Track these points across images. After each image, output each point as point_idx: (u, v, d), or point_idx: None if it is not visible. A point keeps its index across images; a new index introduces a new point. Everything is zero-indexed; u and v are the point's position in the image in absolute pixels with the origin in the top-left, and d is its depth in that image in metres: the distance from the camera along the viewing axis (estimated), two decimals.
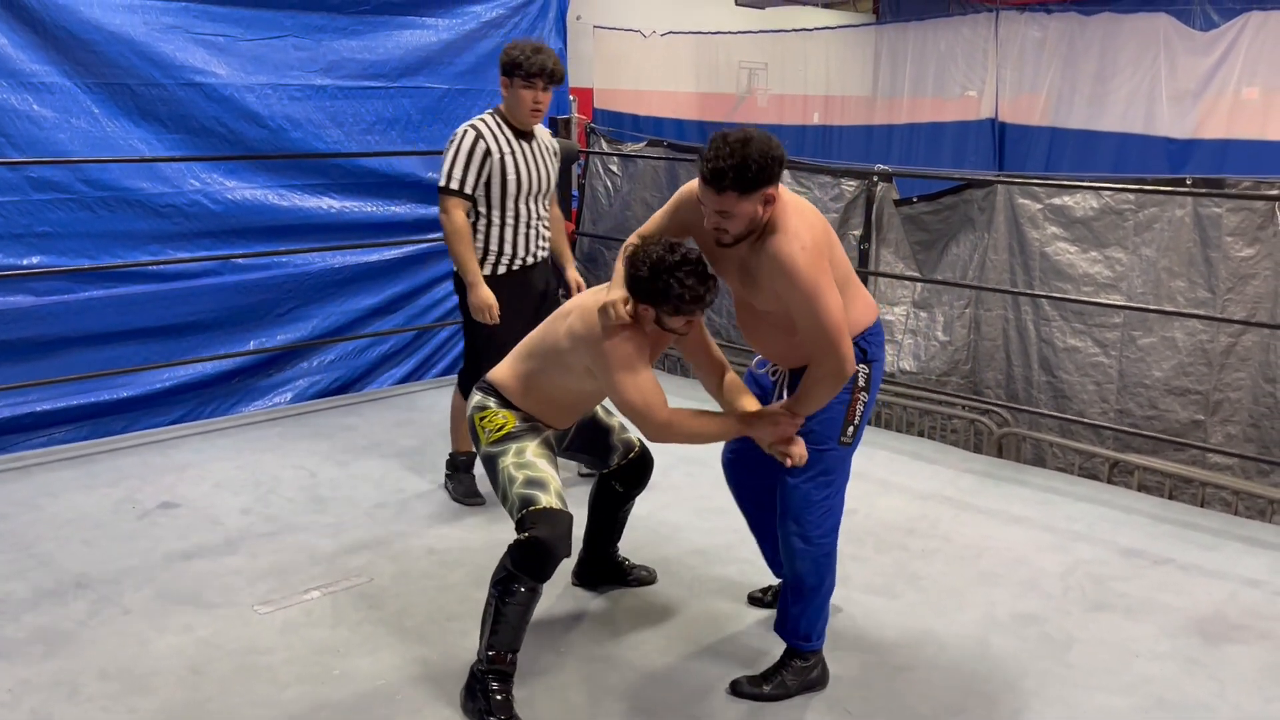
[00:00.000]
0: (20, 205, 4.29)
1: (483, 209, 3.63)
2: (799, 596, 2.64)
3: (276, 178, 5.07)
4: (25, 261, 4.34)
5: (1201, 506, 4.02)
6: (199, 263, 4.83)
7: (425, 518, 3.74)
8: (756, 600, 3.13)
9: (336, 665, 2.75)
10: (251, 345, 5.10)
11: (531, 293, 3.81)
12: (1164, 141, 8.89)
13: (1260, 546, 3.57)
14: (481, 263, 3.67)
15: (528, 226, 3.72)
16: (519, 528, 2.48)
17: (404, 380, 5.66)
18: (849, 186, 5.17)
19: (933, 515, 3.82)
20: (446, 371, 5.80)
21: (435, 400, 5.15)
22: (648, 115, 10.74)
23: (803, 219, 2.37)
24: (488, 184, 3.61)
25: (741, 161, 2.23)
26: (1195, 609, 3.12)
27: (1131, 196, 4.27)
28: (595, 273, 6.32)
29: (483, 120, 3.62)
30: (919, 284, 4.96)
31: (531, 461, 2.58)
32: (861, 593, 3.21)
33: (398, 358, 5.71)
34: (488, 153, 3.57)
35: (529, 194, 3.69)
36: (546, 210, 3.82)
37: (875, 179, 5.08)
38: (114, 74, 4.49)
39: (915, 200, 5.00)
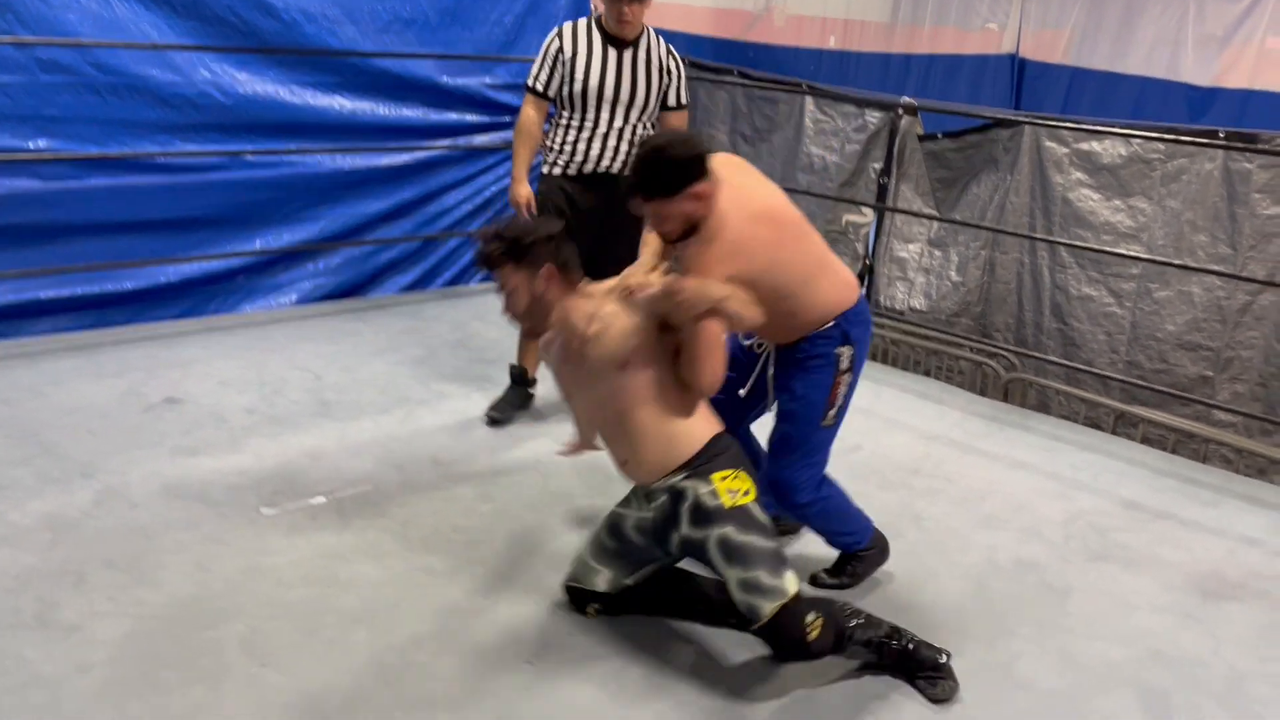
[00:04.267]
0: (28, 86, 4.17)
1: (564, 108, 3.69)
2: (824, 529, 2.76)
3: (288, 73, 4.93)
4: (31, 144, 4.24)
5: (1203, 463, 4.04)
6: (207, 157, 4.73)
7: (431, 429, 3.73)
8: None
9: (342, 570, 2.76)
10: (258, 244, 5.02)
11: (596, 200, 3.72)
12: (1185, 88, 8.71)
13: (1260, 505, 3.59)
14: (552, 161, 3.72)
15: (606, 136, 3.66)
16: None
17: (409, 288, 5.61)
18: (873, 118, 5.06)
19: (937, 456, 3.83)
20: (453, 281, 5.74)
21: (441, 310, 5.11)
22: (660, 28, 10.50)
23: (740, 211, 2.39)
24: (561, 84, 3.64)
25: (656, 171, 2.32)
26: (1194, 565, 3.15)
27: (1161, 146, 4.19)
28: None
29: (578, 21, 3.64)
30: (936, 222, 4.89)
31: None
32: None
33: (404, 265, 5.65)
34: (560, 51, 3.61)
35: (610, 101, 3.64)
36: (645, 126, 3.73)
37: (900, 111, 4.98)
38: None
39: (940, 136, 4.91)
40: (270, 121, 4.90)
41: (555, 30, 3.67)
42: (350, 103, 5.16)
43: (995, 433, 4.10)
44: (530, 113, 3.67)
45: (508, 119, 5.82)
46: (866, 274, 5.23)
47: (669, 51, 3.72)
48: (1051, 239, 4.43)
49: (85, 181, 4.42)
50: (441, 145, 5.52)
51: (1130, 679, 2.56)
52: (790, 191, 5.20)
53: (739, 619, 2.39)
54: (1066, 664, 2.61)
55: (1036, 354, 4.51)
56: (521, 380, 3.90)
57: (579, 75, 3.60)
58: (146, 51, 4.43)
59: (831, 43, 11.25)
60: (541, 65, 3.64)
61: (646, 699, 2.34)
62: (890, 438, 3.97)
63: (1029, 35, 9.53)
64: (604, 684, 2.37)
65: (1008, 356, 4.65)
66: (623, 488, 2.68)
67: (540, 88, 3.66)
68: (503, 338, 4.41)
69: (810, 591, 2.68)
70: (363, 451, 3.49)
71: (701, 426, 2.44)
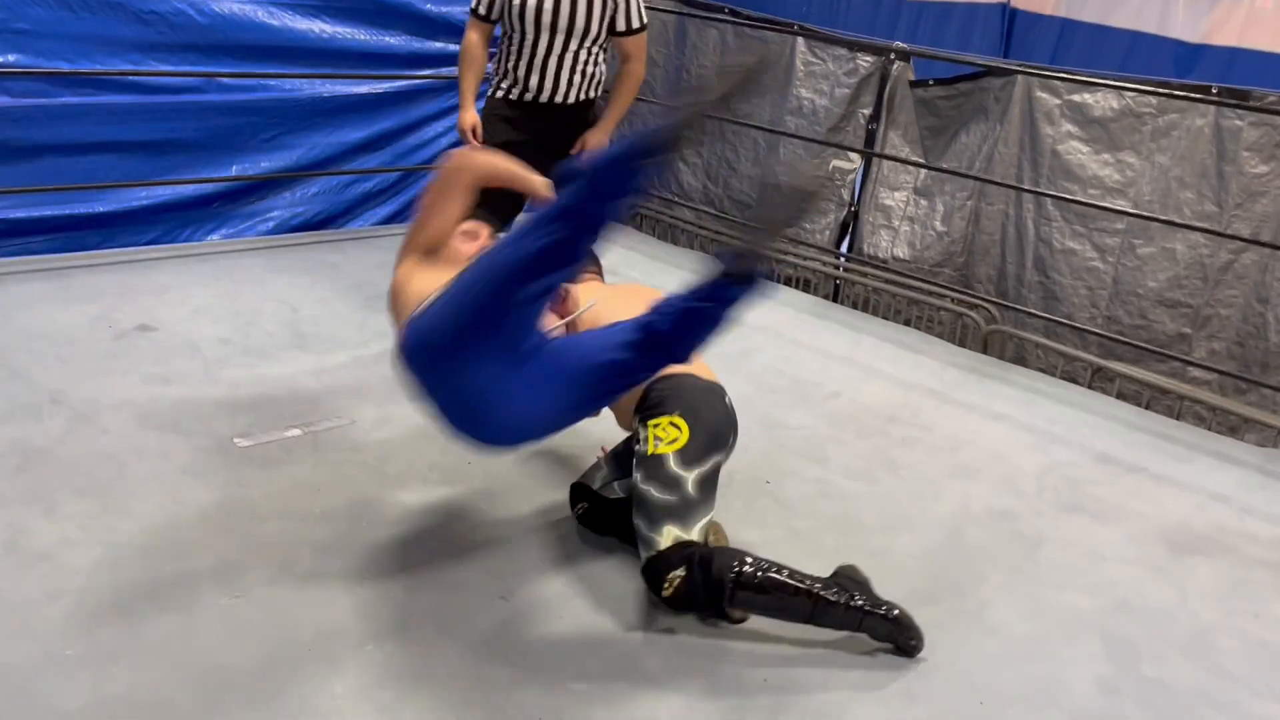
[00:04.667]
0: None
1: (507, 31, 3.62)
2: None
3: None
4: (1, 59, 4.11)
5: (1177, 419, 4.07)
6: (182, 78, 4.60)
7: None
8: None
9: (317, 504, 2.74)
10: (233, 170, 4.92)
11: (539, 132, 3.68)
12: (1174, 44, 8.64)
13: (1230, 462, 3.63)
14: (495, 84, 3.66)
15: (545, 61, 3.57)
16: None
17: (386, 221, 5.53)
18: (865, 62, 4.99)
19: (914, 405, 3.84)
20: None
21: None
22: None
23: None
24: (502, 7, 3.56)
25: None
26: (1164, 518, 3.19)
27: (1153, 100, 4.16)
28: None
29: None
30: (923, 171, 4.86)
31: None
32: (840, 476, 3.24)
33: (382, 197, 5.56)
34: None
35: (549, 27, 3.54)
36: (591, 54, 3.65)
37: (892, 56, 4.91)
38: None
39: (931, 83, 4.85)
40: (248, 43, 4.77)
41: None
42: (331, 27, 5.03)
43: (973, 384, 4.11)
44: (473, 36, 3.61)
45: (493, 50, 5.69)
46: (851, 221, 5.20)
47: None
48: (1039, 191, 4.40)
49: (56, 99, 4.30)
50: (424, 75, 5.41)
51: (1097, 627, 2.60)
52: (778, 134, 5.17)
53: None
54: (1035, 611, 2.64)
55: (1017, 306, 4.52)
56: None
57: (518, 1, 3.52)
58: None
59: None
60: None
61: (612, 640, 2.35)
62: (868, 386, 3.98)
63: None
64: (577, 621, 2.38)
65: (988, 308, 4.65)
66: (596, 423, 2.67)
67: (483, 11, 3.58)
68: None
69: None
70: (338, 385, 3.45)
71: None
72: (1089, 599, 2.72)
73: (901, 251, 4.98)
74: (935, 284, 4.80)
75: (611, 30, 3.61)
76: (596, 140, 3.75)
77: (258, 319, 3.92)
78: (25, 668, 2.05)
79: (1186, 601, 2.76)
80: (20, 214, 4.33)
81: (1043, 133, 4.46)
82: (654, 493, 2.36)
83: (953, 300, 4.76)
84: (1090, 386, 4.30)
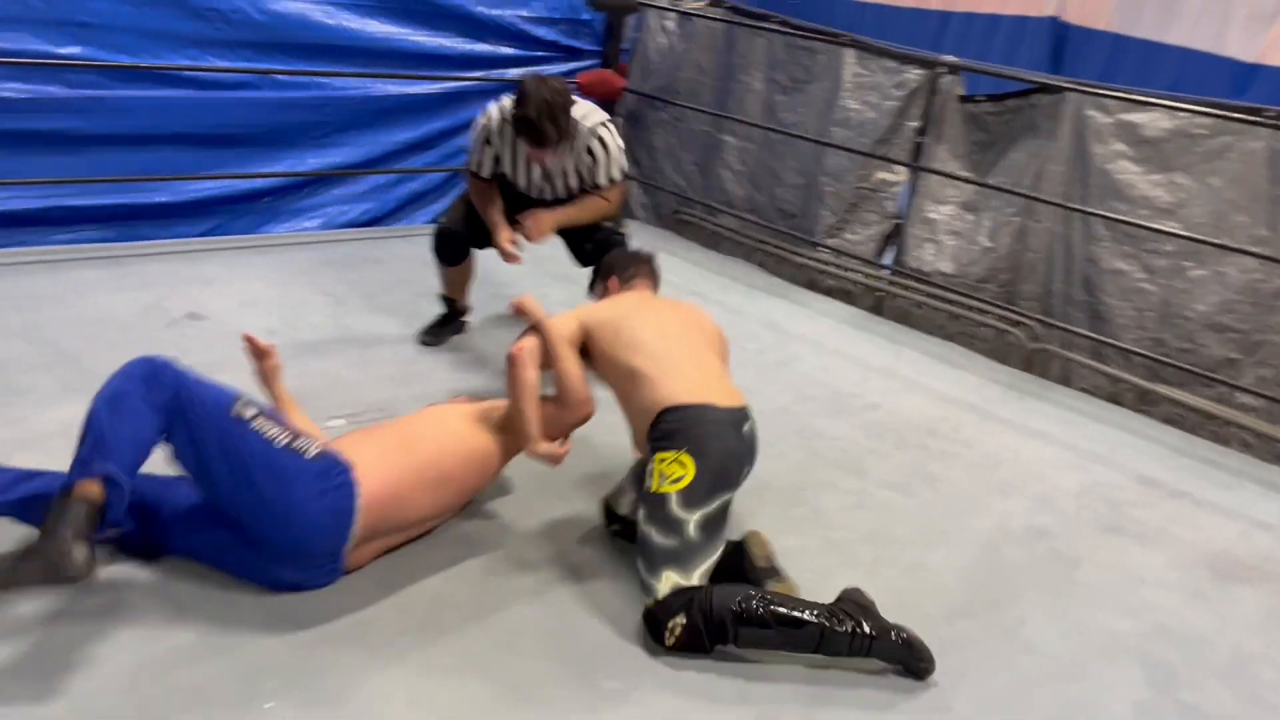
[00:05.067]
0: None
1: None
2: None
3: None
4: (63, 50, 4.21)
5: (1223, 445, 4.01)
6: (239, 74, 4.68)
7: (450, 362, 3.73)
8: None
9: None
10: (285, 166, 5.00)
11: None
12: (1229, 63, 8.52)
13: (1276, 490, 3.57)
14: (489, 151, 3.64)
15: (531, 202, 3.66)
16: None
17: (433, 221, 5.58)
18: (914, 75, 4.97)
19: (955, 420, 3.81)
20: None
21: None
22: None
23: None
24: (497, 175, 3.64)
25: None
26: (1206, 544, 3.14)
27: (1207, 121, 4.10)
28: (636, 132, 6.16)
29: (504, 106, 3.49)
30: (970, 186, 4.82)
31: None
32: (878, 487, 3.23)
33: (429, 197, 5.62)
34: (488, 144, 3.57)
35: (536, 191, 3.65)
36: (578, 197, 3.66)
37: (942, 70, 4.88)
38: None
39: (980, 98, 4.81)
40: (304, 42, 4.85)
41: (484, 116, 3.55)
42: (385, 27, 5.10)
43: (1014, 401, 4.08)
44: (479, 184, 3.63)
45: (541, 53, 5.75)
46: (895, 233, 5.17)
47: (592, 133, 3.50)
48: (1088, 210, 4.36)
49: (115, 91, 4.39)
50: (474, 77, 5.46)
51: (1135, 650, 2.57)
52: (824, 144, 5.16)
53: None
54: (1072, 631, 2.61)
55: (1062, 325, 4.47)
56: (453, 311, 3.97)
57: (505, 169, 3.62)
58: None
59: None
60: (479, 154, 3.58)
61: (647, 640, 2.35)
62: (908, 399, 3.96)
63: None
64: (612, 618, 2.39)
65: (1032, 326, 4.60)
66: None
67: (485, 174, 3.61)
68: (521, 273, 4.39)
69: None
70: (381, 378, 3.49)
71: (660, 394, 2.47)
72: (1127, 622, 2.69)
73: (945, 266, 4.95)
74: (979, 299, 4.76)
75: (593, 187, 3.61)
76: (542, 219, 3.53)
77: (305, 311, 3.98)
78: (70, 652, 2.09)
79: (1227, 629, 2.72)
80: (78, 202, 4.42)
81: (1092, 151, 4.41)
82: (655, 536, 2.32)
83: (996, 316, 4.72)
84: (1135, 409, 4.25)
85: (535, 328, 2.63)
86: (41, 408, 2.98)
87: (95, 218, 4.50)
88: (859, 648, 2.26)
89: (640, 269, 3.10)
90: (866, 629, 2.26)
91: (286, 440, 2.20)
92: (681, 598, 2.26)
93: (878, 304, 5.15)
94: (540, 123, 3.23)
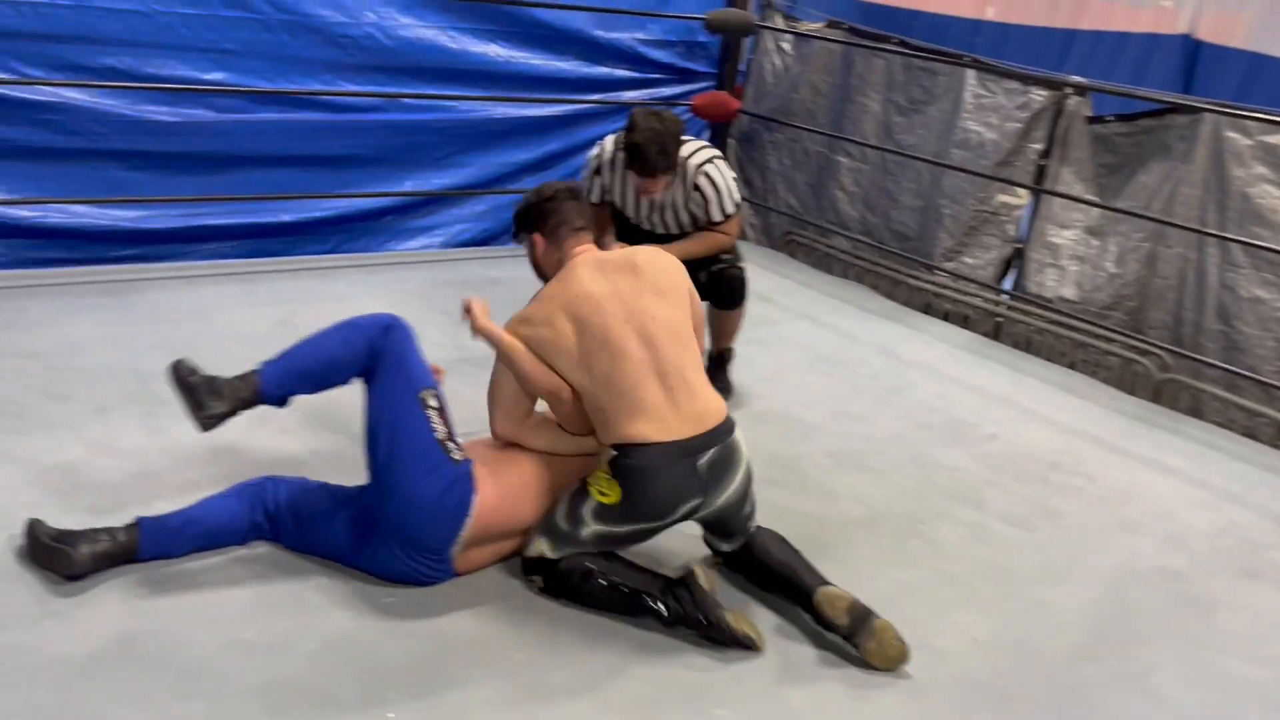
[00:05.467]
0: (209, 20, 4.35)
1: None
2: None
3: (449, 19, 5.02)
4: (207, 76, 4.44)
5: None
6: (368, 97, 4.86)
7: None
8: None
9: None
10: (408, 185, 5.16)
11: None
12: None
13: None
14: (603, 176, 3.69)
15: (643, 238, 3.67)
16: None
17: None
18: (1038, 96, 4.85)
19: (1077, 452, 3.69)
20: None
21: None
22: None
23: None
24: (607, 202, 3.68)
25: None
26: None
27: None
28: (750, 153, 6.16)
29: (619, 139, 3.51)
30: (1097, 209, 4.67)
31: None
32: (997, 521, 3.15)
33: None
34: (598, 174, 3.62)
35: (648, 226, 3.65)
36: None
37: (1069, 91, 4.75)
38: None
39: (1110, 119, 4.66)
40: (429, 65, 5.01)
41: (598, 147, 3.61)
42: (506, 51, 5.22)
43: (1142, 434, 3.93)
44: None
45: (658, 76, 5.81)
46: (1015, 257, 5.05)
47: (700, 170, 3.49)
48: (1225, 235, 4.18)
49: (254, 115, 4.61)
50: (591, 99, 5.55)
51: (1273, 702, 2.44)
52: (942, 166, 5.07)
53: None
54: (1205, 679, 2.50)
55: (1194, 355, 4.29)
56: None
57: (615, 201, 3.65)
58: None
59: (989, 14, 10.75)
60: (587, 182, 3.64)
61: (759, 668, 2.34)
62: (1028, 429, 3.85)
63: (1206, 15, 8.94)
64: (726, 648, 2.38)
65: (1161, 355, 4.43)
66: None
67: (594, 200, 3.65)
68: None
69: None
70: None
71: (610, 433, 2.44)
72: (1266, 672, 2.56)
73: (1069, 292, 4.80)
74: (1104, 327, 4.60)
75: (708, 224, 3.60)
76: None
77: (425, 329, 4.04)
78: (207, 649, 2.20)
79: None
80: (215, 221, 4.65)
81: (1231, 174, 4.23)
82: (559, 509, 2.47)
83: (1122, 345, 4.55)
84: (1273, 445, 4.04)
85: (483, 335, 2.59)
86: (181, 417, 3.12)
87: (232, 235, 4.73)
88: (671, 622, 2.38)
89: (561, 212, 2.67)
90: (687, 609, 2.36)
91: (443, 436, 2.40)
92: (540, 563, 2.47)
93: (996, 330, 5.03)
94: (648, 150, 3.25)
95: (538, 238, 2.69)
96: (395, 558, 2.42)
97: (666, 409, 2.42)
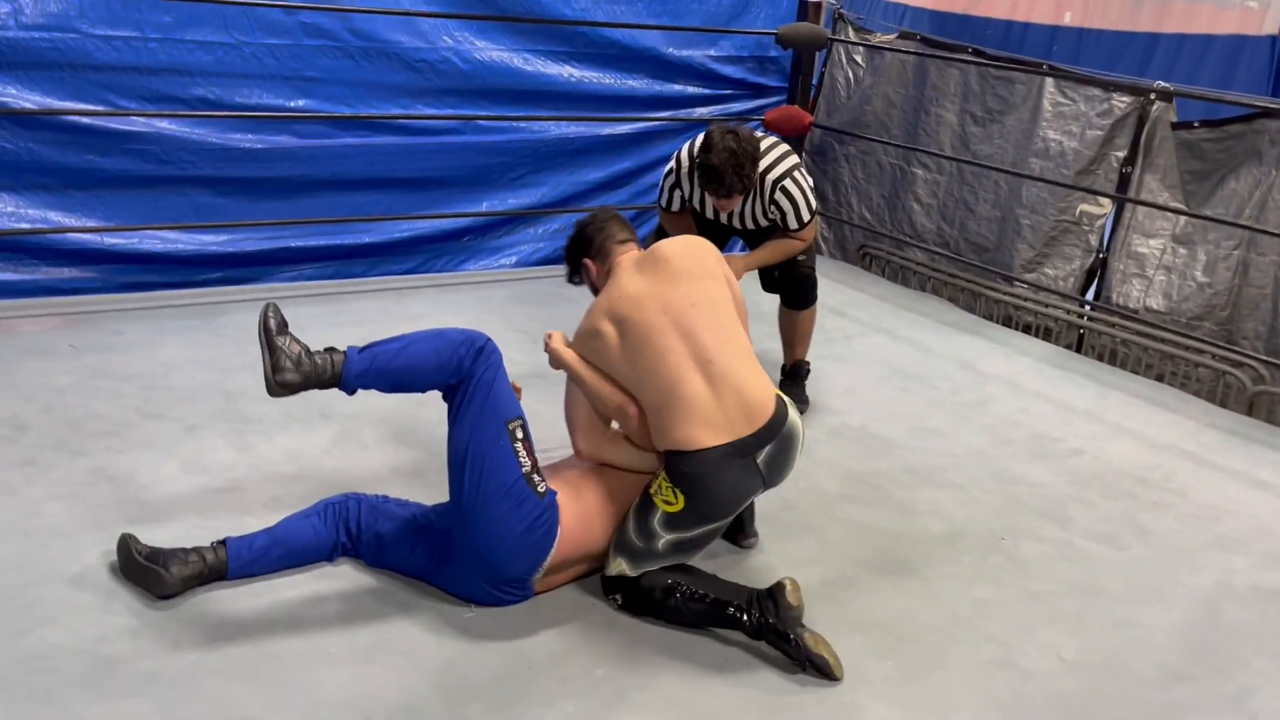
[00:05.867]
0: (292, 49, 4.49)
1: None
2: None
3: (523, 41, 5.10)
4: (292, 104, 4.57)
5: None
6: (445, 120, 4.96)
7: None
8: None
9: None
10: (484, 206, 5.24)
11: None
12: None
13: None
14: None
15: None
16: None
17: None
18: (1120, 102, 4.74)
19: (1168, 467, 3.58)
20: None
21: None
22: (892, 1, 10.12)
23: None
24: (686, 208, 3.68)
25: None
26: None
27: None
28: (822, 166, 6.13)
29: (692, 147, 3.50)
30: (1184, 218, 4.55)
31: None
32: (1083, 538, 3.07)
33: None
34: (676, 186, 3.63)
35: (724, 224, 3.66)
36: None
37: (1153, 96, 4.64)
38: None
39: (1196, 125, 4.54)
40: (503, 88, 5.09)
41: (674, 161, 3.61)
42: (578, 71, 5.28)
43: (1236, 448, 3.79)
44: (671, 220, 3.71)
45: (729, 91, 5.81)
46: (1099, 268, 4.93)
47: (778, 184, 3.47)
48: None
49: (336, 140, 4.73)
50: (663, 117, 5.58)
51: None
52: (1021, 176, 4.99)
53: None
54: None
55: None
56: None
57: (695, 206, 3.66)
58: (398, 18, 4.68)
59: (1068, 19, 10.54)
60: (666, 195, 3.67)
61: (836, 686, 2.31)
62: (1115, 444, 3.75)
63: None
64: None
65: (1256, 367, 4.28)
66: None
67: (675, 208, 3.68)
68: None
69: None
70: None
71: (670, 437, 2.44)
72: None
73: (1155, 302, 4.67)
74: (1194, 338, 4.47)
75: (785, 231, 3.58)
76: (734, 264, 3.49)
77: (502, 348, 4.11)
78: (294, 660, 2.25)
79: None
80: (300, 243, 4.78)
81: None
82: (630, 528, 2.47)
83: (1214, 357, 4.41)
84: None
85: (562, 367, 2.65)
86: (269, 435, 3.23)
87: (314, 257, 4.85)
88: (754, 633, 2.37)
89: (603, 230, 2.72)
90: (770, 621, 2.34)
91: (528, 469, 2.39)
92: (621, 581, 2.47)
93: (1080, 342, 4.92)
94: (724, 172, 3.24)
95: (589, 263, 2.73)
96: (477, 585, 2.45)
97: (713, 407, 2.42)
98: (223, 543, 2.46)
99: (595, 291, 2.74)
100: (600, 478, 2.59)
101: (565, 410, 2.72)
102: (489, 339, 2.45)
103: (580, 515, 2.47)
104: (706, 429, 2.40)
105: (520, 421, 2.42)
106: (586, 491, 2.54)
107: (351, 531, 2.55)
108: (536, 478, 2.41)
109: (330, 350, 2.42)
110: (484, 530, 2.36)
